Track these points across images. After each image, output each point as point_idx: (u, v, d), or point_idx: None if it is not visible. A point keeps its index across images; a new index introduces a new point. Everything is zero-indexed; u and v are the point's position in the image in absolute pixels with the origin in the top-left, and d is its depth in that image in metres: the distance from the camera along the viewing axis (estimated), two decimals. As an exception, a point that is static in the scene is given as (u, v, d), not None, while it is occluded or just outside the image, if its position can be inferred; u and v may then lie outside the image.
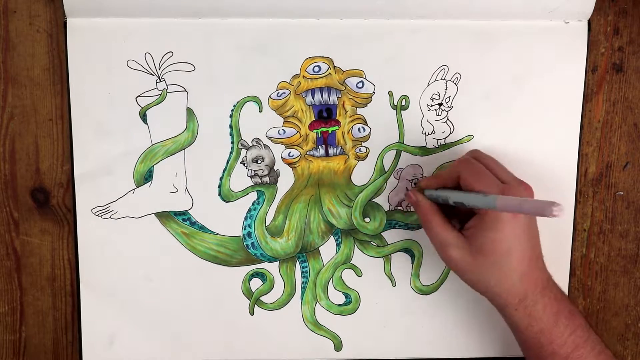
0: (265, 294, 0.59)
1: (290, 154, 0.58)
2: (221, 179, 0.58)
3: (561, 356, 0.50)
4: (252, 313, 0.60)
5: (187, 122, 0.57)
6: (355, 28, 0.56)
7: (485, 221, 0.49)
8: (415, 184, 0.59)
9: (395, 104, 0.58)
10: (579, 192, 0.60)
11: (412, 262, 0.60)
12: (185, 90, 0.57)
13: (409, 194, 0.55)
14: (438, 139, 0.58)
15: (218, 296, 0.59)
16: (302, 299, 0.60)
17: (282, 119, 0.57)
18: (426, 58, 0.57)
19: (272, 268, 0.59)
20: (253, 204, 0.58)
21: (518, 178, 0.51)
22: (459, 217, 0.54)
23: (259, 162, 0.58)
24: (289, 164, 0.58)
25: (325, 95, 0.57)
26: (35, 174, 0.58)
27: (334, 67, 0.57)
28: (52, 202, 0.58)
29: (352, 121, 0.58)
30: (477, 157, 0.54)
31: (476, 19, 0.56)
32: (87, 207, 0.57)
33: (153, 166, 0.57)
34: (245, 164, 0.58)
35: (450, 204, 0.52)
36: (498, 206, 0.46)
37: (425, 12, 0.56)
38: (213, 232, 0.58)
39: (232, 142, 0.57)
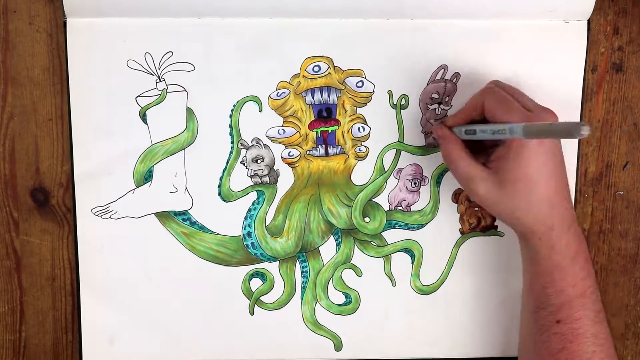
0: (265, 293, 0.59)
1: (290, 154, 0.58)
2: (221, 178, 0.58)
3: (568, 296, 0.50)
4: (252, 313, 0.60)
5: (187, 122, 0.57)
6: (355, 28, 0.56)
7: (511, 151, 0.49)
8: (415, 183, 0.59)
9: (395, 103, 0.58)
10: (578, 192, 0.60)
11: (412, 262, 0.60)
12: (185, 90, 0.57)
13: (435, 128, 0.54)
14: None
15: (218, 296, 0.59)
16: (302, 299, 0.60)
17: (282, 118, 0.57)
18: (426, 57, 0.57)
19: (272, 268, 0.59)
20: (253, 204, 0.58)
21: (542, 106, 0.50)
22: (485, 153, 0.54)
23: (259, 161, 0.58)
24: (289, 164, 0.58)
25: (325, 95, 0.57)
26: (35, 173, 0.58)
27: (334, 66, 0.57)
28: (52, 202, 0.58)
29: (351, 121, 0.58)
30: (499, 86, 0.53)
31: (476, 18, 0.56)
32: (87, 207, 0.57)
33: (153, 166, 0.57)
34: (245, 164, 0.58)
35: (477, 137, 0.51)
36: (524, 132, 0.45)
37: (425, 12, 0.56)
38: (213, 232, 0.58)
39: (232, 142, 0.57)
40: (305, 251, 0.59)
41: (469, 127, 0.52)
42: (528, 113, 0.48)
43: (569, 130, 0.40)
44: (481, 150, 0.54)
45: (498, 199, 0.50)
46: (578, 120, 0.58)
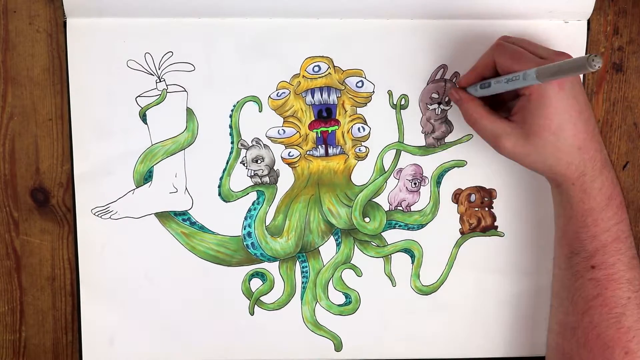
0: (265, 294, 0.59)
1: (290, 154, 0.58)
2: (221, 179, 0.58)
3: (601, 242, 0.49)
4: (252, 313, 0.60)
5: (187, 122, 0.57)
6: (355, 28, 0.56)
7: (532, 101, 0.48)
8: (415, 183, 0.59)
9: (395, 103, 0.58)
10: (579, 192, 0.60)
11: (412, 262, 0.60)
12: (185, 91, 0.57)
13: (452, 92, 0.54)
14: (438, 139, 0.58)
15: (218, 296, 0.59)
16: (302, 299, 0.60)
17: (282, 118, 0.57)
18: (426, 57, 0.57)
19: (272, 268, 0.59)
20: (253, 204, 0.58)
21: (556, 50, 0.50)
22: (506, 107, 0.53)
23: (259, 162, 0.58)
24: (289, 164, 0.58)
25: (325, 95, 0.57)
26: (35, 173, 0.58)
27: (334, 66, 0.57)
28: (52, 202, 0.58)
29: (351, 121, 0.58)
30: (509, 40, 0.53)
31: (476, 18, 0.56)
32: (87, 207, 0.57)
33: (153, 166, 0.57)
34: (245, 164, 0.58)
35: (491, 90, 0.51)
36: (538, 77, 0.45)
37: (425, 12, 0.56)
38: (213, 232, 0.58)
39: (232, 142, 0.57)
40: (305, 251, 0.59)
41: (483, 82, 0.52)
42: (541, 60, 0.48)
43: (580, 65, 0.40)
44: (501, 106, 0.53)
45: (527, 150, 0.50)
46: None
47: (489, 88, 0.51)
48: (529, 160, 0.51)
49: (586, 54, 0.57)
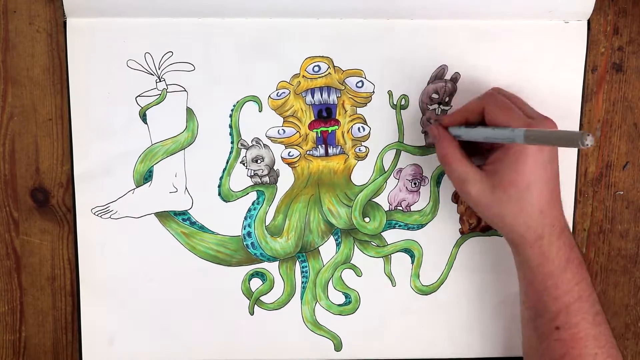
0: (265, 293, 0.59)
1: (290, 154, 0.58)
2: (221, 178, 0.58)
3: (563, 303, 0.50)
4: (252, 313, 0.60)
5: (187, 122, 0.57)
6: (355, 28, 0.56)
7: (509, 155, 0.49)
8: (415, 183, 0.59)
9: (395, 103, 0.58)
10: (578, 192, 0.60)
11: (412, 262, 0.60)
12: (185, 90, 0.57)
13: (432, 128, 0.54)
14: (438, 139, 0.58)
15: (218, 296, 0.59)
16: (302, 299, 0.60)
17: (282, 118, 0.57)
18: (426, 57, 0.57)
19: (272, 268, 0.59)
20: (253, 204, 0.58)
21: (544, 115, 0.50)
22: (481, 156, 0.54)
23: (259, 161, 0.58)
24: (289, 164, 0.58)
25: (325, 95, 0.57)
26: (35, 173, 0.58)
27: (334, 66, 0.57)
28: (52, 202, 0.58)
29: (351, 121, 0.58)
30: (500, 92, 0.53)
31: (476, 18, 0.56)
32: (87, 207, 0.57)
33: (153, 166, 0.57)
34: (245, 164, 0.58)
35: (475, 139, 0.51)
36: (526, 137, 0.45)
37: (425, 12, 0.56)
38: (213, 232, 0.58)
39: (232, 142, 0.57)
40: (305, 251, 0.59)
41: (468, 131, 0.52)
42: (529, 120, 0.49)
43: (571, 139, 0.40)
44: (477, 153, 0.54)
45: (490, 202, 0.50)
46: (578, 120, 0.58)
47: (473, 130, 0.51)
48: (490, 213, 0.51)
49: (586, 58, 0.57)
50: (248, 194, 0.58)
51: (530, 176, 0.49)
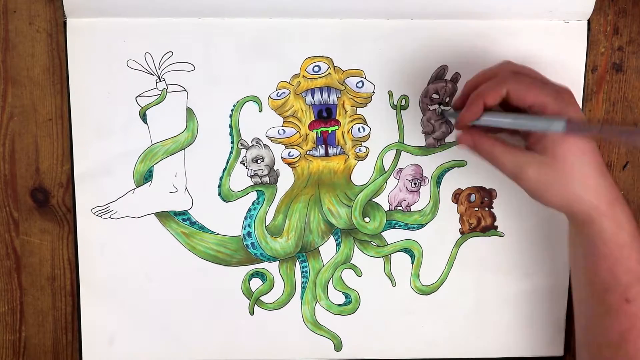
0: (265, 293, 0.59)
1: (290, 154, 0.58)
2: (221, 178, 0.58)
3: (635, 274, 0.48)
4: (252, 313, 0.60)
5: (187, 122, 0.57)
6: (355, 28, 0.56)
7: None
8: (415, 183, 0.59)
9: (395, 103, 0.58)
10: (579, 192, 0.60)
11: (412, 262, 0.60)
12: (185, 90, 0.57)
13: (462, 139, 0.50)
14: (438, 139, 0.58)
15: (218, 296, 0.59)
16: (302, 299, 0.60)
17: (282, 118, 0.57)
18: (426, 58, 0.57)
19: (272, 268, 0.59)
20: (253, 204, 0.58)
21: (558, 84, 0.49)
22: (518, 135, 0.52)
23: (259, 161, 0.58)
24: (289, 164, 0.58)
25: (325, 95, 0.57)
26: (35, 173, 0.58)
27: (334, 66, 0.57)
28: (52, 202, 0.58)
29: (351, 121, 0.58)
30: (516, 70, 0.50)
31: (476, 18, 0.56)
32: (87, 207, 0.57)
33: (153, 166, 0.57)
34: (245, 164, 0.58)
35: (508, 125, 0.48)
36: (568, 130, 0.44)
37: (425, 12, 0.56)
38: (213, 232, 0.58)
39: (232, 142, 0.57)
40: (305, 251, 0.59)
41: (494, 116, 0.48)
42: (555, 94, 0.47)
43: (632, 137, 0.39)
44: (513, 133, 0.52)
45: (553, 178, 0.47)
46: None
47: (503, 119, 0.48)
48: (554, 191, 0.48)
49: (586, 58, 0.57)
50: (248, 194, 0.58)
51: (583, 141, 0.47)
